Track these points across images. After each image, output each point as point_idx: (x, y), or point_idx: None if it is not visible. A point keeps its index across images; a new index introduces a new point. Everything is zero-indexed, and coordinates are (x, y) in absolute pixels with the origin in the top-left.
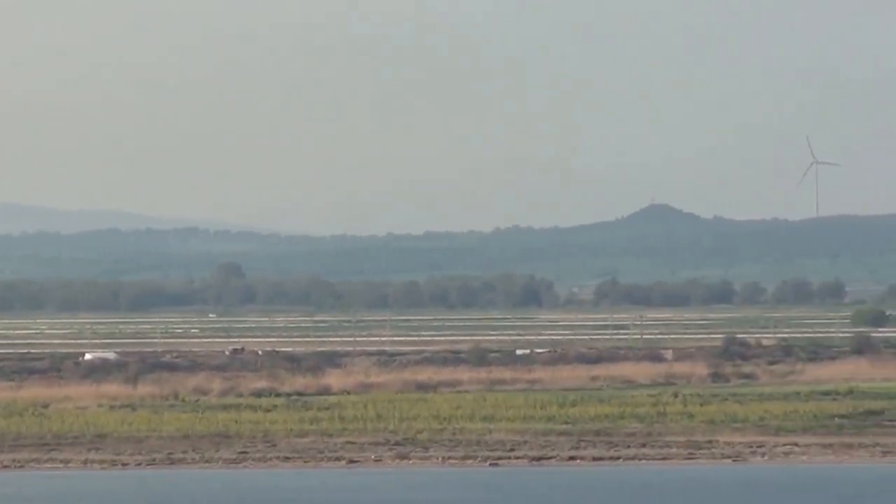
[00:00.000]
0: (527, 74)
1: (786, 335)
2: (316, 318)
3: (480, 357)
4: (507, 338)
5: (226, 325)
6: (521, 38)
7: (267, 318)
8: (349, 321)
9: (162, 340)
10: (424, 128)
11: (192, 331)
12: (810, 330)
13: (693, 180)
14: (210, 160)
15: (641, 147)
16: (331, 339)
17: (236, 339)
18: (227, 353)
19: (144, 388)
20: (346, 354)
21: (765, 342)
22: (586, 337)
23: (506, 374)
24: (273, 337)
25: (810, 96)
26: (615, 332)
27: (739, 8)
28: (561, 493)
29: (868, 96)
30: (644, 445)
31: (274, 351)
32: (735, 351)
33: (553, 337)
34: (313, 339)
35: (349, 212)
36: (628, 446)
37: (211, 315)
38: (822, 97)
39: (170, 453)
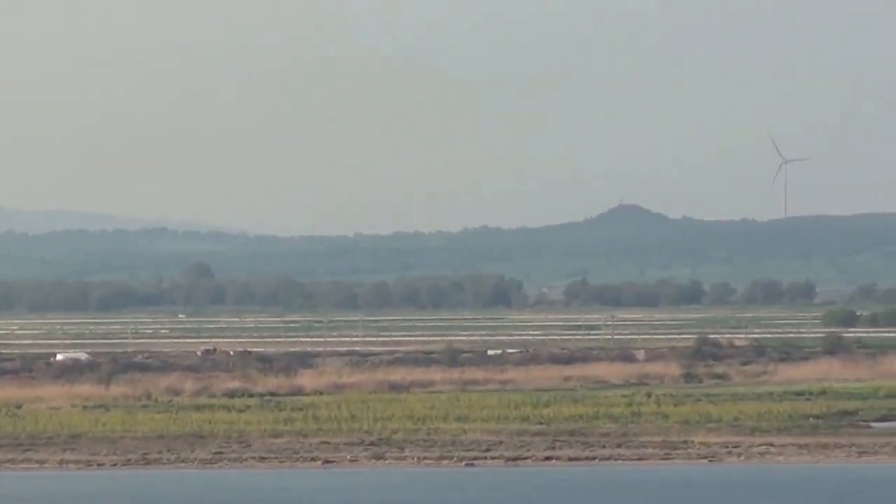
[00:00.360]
0: (495, 76)
1: (757, 335)
2: (286, 319)
3: (453, 357)
4: (477, 338)
5: (196, 326)
6: (490, 41)
7: (237, 319)
8: (320, 322)
9: (133, 341)
10: (391, 129)
11: (162, 331)
12: (781, 330)
13: (662, 181)
14: (178, 160)
15: (610, 147)
16: (301, 339)
17: (207, 340)
18: (198, 353)
19: (117, 389)
20: (318, 355)
21: (737, 342)
22: (557, 337)
23: (478, 374)
24: (244, 337)
25: (777, 96)
26: (586, 332)
27: (707, 9)
28: (543, 494)
29: (835, 95)
30: (620, 446)
31: (246, 351)
32: (707, 351)
33: (524, 337)
34: (284, 340)
35: (317, 212)
36: (604, 446)
37: (180, 315)
38: (789, 97)
39: (145, 454)
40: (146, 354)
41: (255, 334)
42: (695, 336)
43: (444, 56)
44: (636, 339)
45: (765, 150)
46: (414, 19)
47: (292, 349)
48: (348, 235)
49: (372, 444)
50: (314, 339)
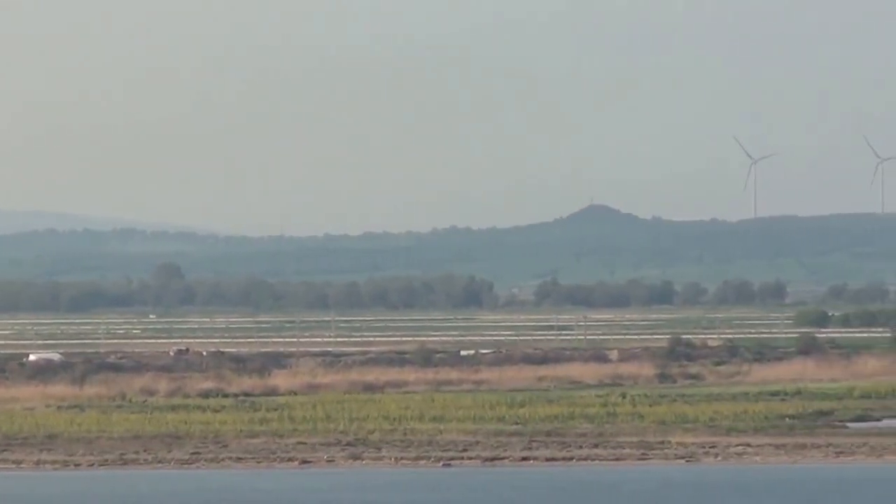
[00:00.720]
0: (464, 78)
1: (730, 336)
2: (257, 319)
3: (426, 358)
4: (450, 338)
5: (167, 326)
6: (460, 43)
7: (208, 319)
8: (292, 322)
9: (105, 341)
10: (359, 130)
11: (134, 331)
12: (754, 330)
13: (632, 181)
14: (147, 161)
15: (580, 148)
16: (273, 339)
17: (178, 340)
18: (171, 353)
19: (91, 389)
20: (291, 355)
21: (710, 343)
22: (529, 337)
23: (452, 374)
24: (215, 338)
25: (746, 96)
26: (559, 332)
27: (676, 11)
28: (523, 495)
29: (803, 96)
30: (597, 446)
31: (219, 352)
32: (681, 351)
33: (496, 337)
34: (256, 340)
35: (286, 212)
36: (581, 447)
37: (151, 316)
38: (757, 97)
39: (122, 454)
40: (119, 355)
41: (226, 335)
42: (667, 336)
43: (417, 58)
44: (608, 339)
45: (734, 150)
46: (386, 21)
47: (264, 349)
48: (317, 236)
49: (349, 444)
50: (286, 340)
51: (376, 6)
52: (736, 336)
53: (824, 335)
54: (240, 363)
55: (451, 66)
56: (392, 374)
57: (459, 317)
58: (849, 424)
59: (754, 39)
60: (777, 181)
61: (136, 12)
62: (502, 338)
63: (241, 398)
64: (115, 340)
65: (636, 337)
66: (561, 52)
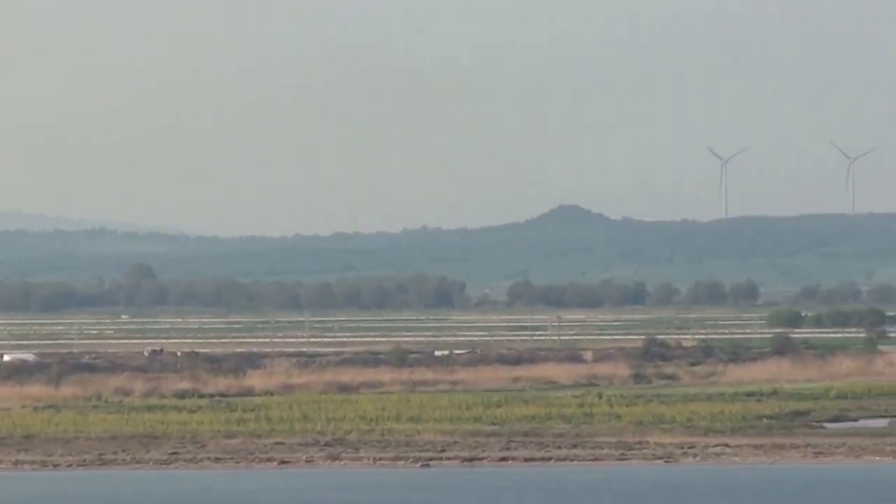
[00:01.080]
0: (435, 79)
1: (704, 336)
2: (230, 320)
3: (401, 358)
4: (423, 339)
5: (140, 327)
6: (432, 44)
7: (180, 320)
8: (266, 322)
9: (79, 342)
10: (329, 130)
11: (107, 332)
12: (727, 331)
13: (602, 182)
14: (116, 161)
15: (550, 148)
16: (247, 340)
17: (152, 340)
18: (146, 354)
19: (67, 390)
20: (265, 356)
21: (685, 343)
22: (503, 338)
23: (428, 374)
24: (189, 338)
25: (716, 98)
26: (532, 333)
27: (645, 15)
28: (505, 495)
29: (773, 97)
30: (575, 446)
31: (193, 352)
32: (655, 352)
33: (470, 338)
34: (230, 341)
35: (257, 213)
36: (559, 447)
37: (123, 316)
38: (723, 98)
39: (100, 454)
40: (93, 355)
41: (199, 335)
42: (640, 337)
43: (391, 63)
44: (581, 339)
45: (705, 151)
46: (361, 22)
47: (238, 350)
48: (288, 236)
49: (327, 444)
50: (260, 340)
51: (353, 14)
52: (710, 336)
53: (798, 335)
54: (215, 363)
55: (424, 71)
56: (367, 374)
57: (432, 317)
58: (826, 425)
59: (724, 41)
60: (747, 181)
61: (111, 17)
62: (476, 338)
63: (216, 398)
64: (89, 341)
65: (609, 337)
66: (531, 56)
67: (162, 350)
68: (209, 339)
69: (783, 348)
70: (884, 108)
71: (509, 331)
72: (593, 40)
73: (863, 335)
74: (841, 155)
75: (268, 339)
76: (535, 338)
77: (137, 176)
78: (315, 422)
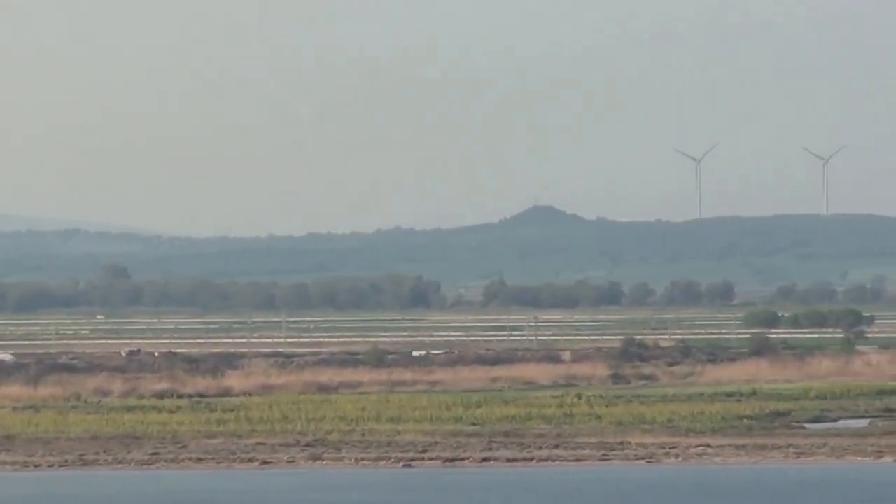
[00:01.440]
0: (408, 78)
1: (681, 336)
2: (205, 320)
3: (378, 358)
4: (400, 339)
5: (115, 327)
6: (405, 43)
7: (156, 320)
8: (243, 322)
9: (56, 342)
10: (302, 130)
11: (83, 332)
12: (704, 331)
13: (576, 182)
14: (90, 161)
15: (522, 148)
16: (223, 340)
17: (128, 341)
18: (123, 354)
19: (46, 390)
20: (243, 356)
21: (662, 343)
22: (480, 338)
23: (406, 375)
24: (165, 338)
25: (685, 98)
26: (509, 333)
27: (619, 16)
28: (491, 495)
29: (744, 97)
30: (557, 447)
31: (171, 352)
32: (633, 352)
33: (447, 338)
34: (206, 341)
35: (230, 213)
36: (540, 447)
37: (98, 316)
38: (696, 99)
39: (81, 454)
40: (70, 355)
41: (176, 335)
42: (617, 337)
43: (363, 62)
44: (558, 340)
45: (678, 150)
46: (338, 24)
47: (215, 350)
48: (261, 237)
49: (308, 445)
50: (237, 340)
51: (327, 16)
52: (687, 337)
53: (776, 336)
54: (193, 364)
55: (397, 69)
56: (345, 374)
57: (408, 317)
58: (806, 425)
59: (697, 43)
60: (721, 182)
61: (86, 18)
62: (452, 338)
63: (195, 399)
64: (65, 341)
65: (586, 337)
66: (506, 58)
67: (139, 350)
68: (185, 339)
69: (761, 349)
70: (855, 108)
71: (485, 331)
72: (568, 43)
73: (840, 335)
74: (814, 156)
75: (244, 340)
76: (511, 338)
77: (110, 176)
78: (295, 422)
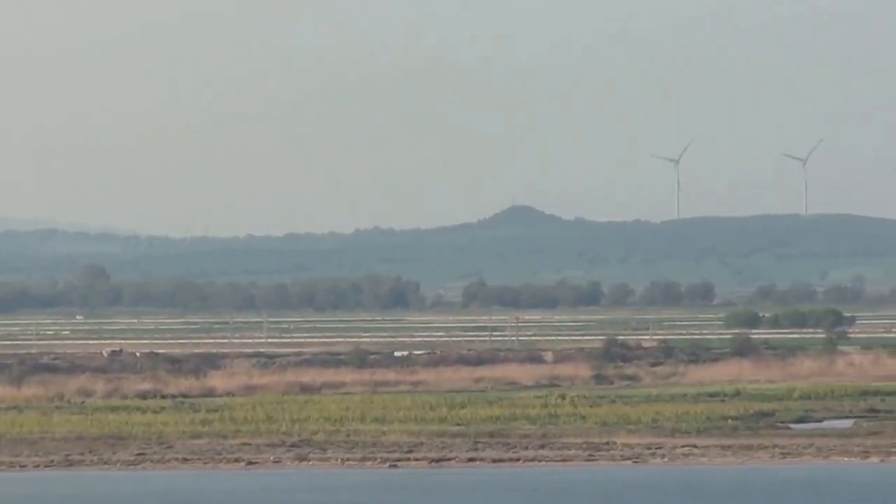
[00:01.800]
0: (386, 77)
1: (662, 337)
2: (186, 320)
3: (361, 359)
4: (381, 339)
5: (95, 327)
6: (381, 42)
7: (136, 320)
8: (225, 323)
9: (37, 342)
10: (280, 130)
11: (63, 332)
12: (685, 332)
13: (554, 182)
14: (67, 161)
15: (503, 148)
16: (205, 340)
17: (109, 341)
18: (105, 354)
19: (29, 390)
20: (225, 356)
21: (644, 344)
22: (461, 338)
23: (389, 375)
24: (146, 339)
25: (664, 99)
26: (490, 333)
27: (597, 16)
28: (481, 495)
29: (723, 98)
30: (542, 447)
31: (153, 353)
32: (616, 352)
33: (427, 338)
34: (187, 341)
35: (207, 213)
36: (526, 448)
37: (78, 317)
38: (675, 99)
39: (67, 455)
40: (52, 356)
41: (157, 336)
42: (598, 337)
43: (337, 57)
44: (539, 340)
45: (658, 151)
46: (306, 22)
47: (196, 350)
48: (240, 237)
49: (293, 445)
50: (218, 341)
51: (306, 13)
52: (669, 337)
53: (758, 336)
54: (175, 364)
55: (372, 66)
56: (328, 375)
57: (387, 318)
58: (791, 426)
59: (675, 44)
60: (700, 182)
61: (59, 17)
62: (433, 339)
63: (179, 399)
64: (45, 341)
65: (567, 338)
66: (484, 55)
67: (121, 350)
68: (167, 339)
69: (743, 349)
70: (834, 108)
71: (466, 331)
72: (546, 43)
73: (821, 336)
74: (794, 159)
75: (225, 340)
76: (493, 338)
77: (87, 176)
78: (279, 422)
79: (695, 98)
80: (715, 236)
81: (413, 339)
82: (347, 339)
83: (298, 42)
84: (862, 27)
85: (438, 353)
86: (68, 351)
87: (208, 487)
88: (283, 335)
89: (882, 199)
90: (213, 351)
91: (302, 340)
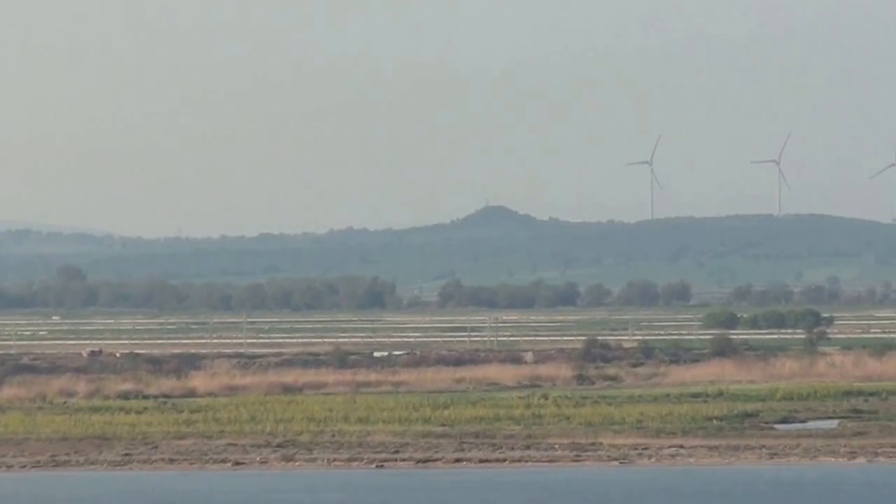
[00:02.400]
0: (354, 78)
1: (641, 337)
2: (162, 321)
3: (341, 359)
4: (359, 340)
5: (73, 328)
6: (356, 41)
7: (113, 321)
8: (203, 323)
9: (16, 343)
10: (253, 130)
11: (41, 333)
12: (663, 332)
13: (527, 182)
14: (40, 162)
15: (475, 148)
16: (183, 341)
17: (86, 342)
18: (84, 355)
19: (10, 391)
20: (205, 357)
21: (625, 344)
22: (438, 339)
23: (370, 376)
24: (124, 339)
25: (637, 98)
26: (469, 334)
27: (575, 14)
28: (473, 495)
29: (694, 98)
30: (528, 447)
31: (132, 353)
32: (596, 353)
33: (405, 339)
34: (165, 342)
35: (181, 214)
36: (512, 448)
37: (55, 317)
38: (647, 99)
39: (53, 455)
40: (31, 356)
41: (135, 336)
42: (576, 337)
43: (310, 62)
44: (517, 340)
45: (631, 152)
46: (277, 28)
47: (175, 351)
48: (213, 237)
49: (279, 445)
50: (197, 341)
51: (280, 19)
52: (649, 337)
53: (738, 337)
54: (156, 364)
55: (348, 73)
56: (309, 375)
57: (364, 318)
58: (776, 426)
59: (647, 44)
60: (673, 183)
61: (31, 20)
62: (411, 339)
63: (161, 400)
64: (24, 342)
65: (545, 338)
66: (457, 59)
67: (101, 351)
68: (145, 340)
69: (723, 349)
70: (807, 110)
71: (444, 331)
72: (519, 48)
73: (801, 336)
74: (766, 162)
75: (203, 340)
76: (471, 339)
77: (61, 177)
78: (263, 423)
79: (667, 98)
80: (689, 237)
81: (391, 339)
82: (325, 340)
83: (269, 48)
84: (839, 29)
85: (418, 353)
86: (46, 351)
87: (201, 488)
88: (261, 336)
89: (855, 200)
90: (193, 352)
91: (280, 341)
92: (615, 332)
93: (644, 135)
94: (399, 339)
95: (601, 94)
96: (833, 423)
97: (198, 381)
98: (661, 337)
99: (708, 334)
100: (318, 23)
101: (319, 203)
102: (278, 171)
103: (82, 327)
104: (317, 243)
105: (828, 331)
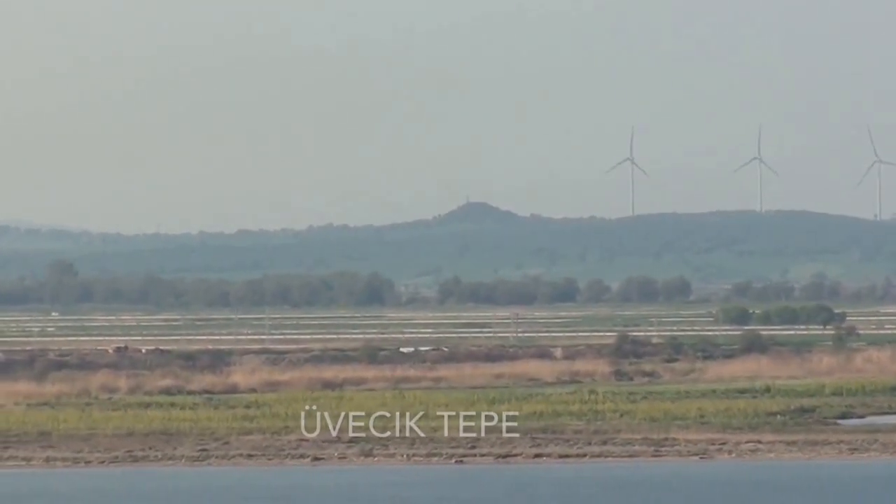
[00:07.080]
0: (335, 69)
1: (669, 333)
2: (163, 317)
3: (371, 355)
4: (370, 336)
5: (76, 324)
6: (336, 38)
7: (114, 317)
8: (230, 319)
9: (34, 339)
10: (230, 124)
11: (49, 329)
12: (676, 328)
13: (509, 178)
14: (15, 157)
15: (455, 144)
16: (199, 337)
17: (97, 338)
18: (110, 351)
19: (53, 387)
20: (231, 353)
21: (653, 340)
22: (451, 335)
23: (409, 372)
24: (132, 336)
25: (619, 93)
26: (480, 329)
27: (558, 12)
28: (562, 491)
29: (675, 95)
30: (605, 443)
31: (158, 349)
32: (628, 349)
33: (418, 335)
34: (190, 338)
35: (159, 210)
36: (588, 443)
37: (53, 314)
38: (630, 94)
39: (129, 451)
40: (57, 353)
41: (145, 332)
42: (596, 333)
43: (289, 56)
44: (533, 336)
45: (611, 148)
46: (251, 19)
47: (196, 347)
48: (192, 233)
49: (352, 441)
50: (218, 337)
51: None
52: (678, 334)
53: (766, 332)
54: (189, 361)
55: (323, 63)
56: (348, 371)
57: (366, 314)
58: (838, 422)
59: (632, 37)
60: (655, 179)
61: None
62: (425, 335)
63: (205, 395)
64: (38, 339)
65: (560, 334)
66: (436, 50)
67: (126, 347)
68: (165, 336)
69: (753, 345)
70: (791, 105)
71: (456, 328)
72: (496, 34)
73: (816, 332)
74: (750, 153)
75: (230, 337)
76: (491, 335)
77: (37, 173)
78: (324, 419)
79: (649, 93)
80: (671, 233)
81: (403, 335)
82: (326, 337)
83: (240, 36)
84: (828, 23)
85: (446, 349)
86: (64, 348)
87: (300, 483)
88: (272, 332)
89: (839, 196)
90: (221, 347)
91: (296, 337)
92: (638, 329)
93: (625, 129)
94: (413, 336)
95: (580, 89)
96: (894, 419)
97: (237, 376)
98: (683, 333)
99: (735, 330)
100: (318, 12)
101: (298, 200)
102: (256, 166)
103: (85, 324)
104: (297, 239)
105: (858, 327)
